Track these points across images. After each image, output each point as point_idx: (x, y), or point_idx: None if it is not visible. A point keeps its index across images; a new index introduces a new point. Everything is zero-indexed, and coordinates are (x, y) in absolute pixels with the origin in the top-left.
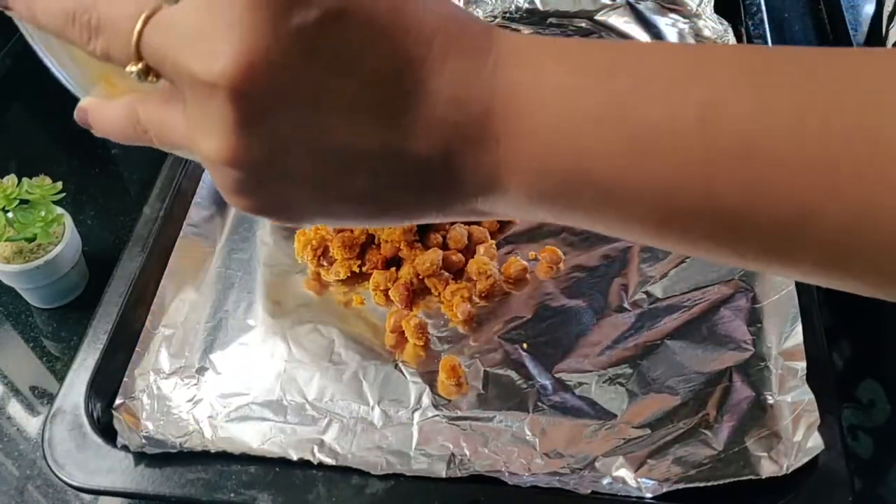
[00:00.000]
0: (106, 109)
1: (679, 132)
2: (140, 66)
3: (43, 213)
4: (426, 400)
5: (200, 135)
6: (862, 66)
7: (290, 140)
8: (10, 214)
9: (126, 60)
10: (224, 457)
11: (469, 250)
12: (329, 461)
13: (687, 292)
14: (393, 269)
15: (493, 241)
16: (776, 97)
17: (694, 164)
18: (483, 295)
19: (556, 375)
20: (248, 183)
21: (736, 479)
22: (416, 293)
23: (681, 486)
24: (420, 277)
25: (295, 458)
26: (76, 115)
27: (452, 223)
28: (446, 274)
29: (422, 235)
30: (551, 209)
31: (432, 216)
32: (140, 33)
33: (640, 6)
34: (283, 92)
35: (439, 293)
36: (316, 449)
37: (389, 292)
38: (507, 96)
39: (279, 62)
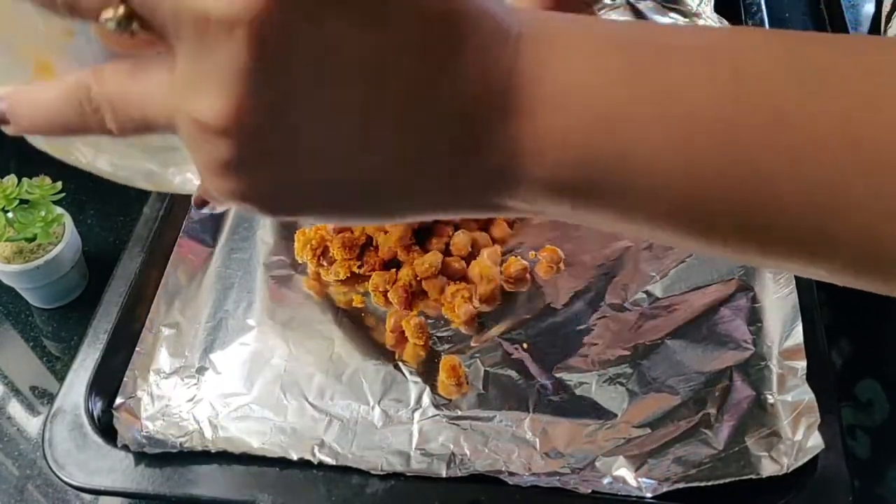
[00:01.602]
0: (38, 92)
1: (705, 94)
2: (122, 10)
3: (43, 213)
4: (426, 399)
5: (197, 93)
6: (882, 57)
7: (307, 99)
8: (10, 214)
9: (101, 4)
10: (224, 457)
11: (472, 255)
12: (329, 461)
13: (687, 292)
14: (393, 270)
15: (497, 247)
16: (804, 67)
17: (722, 129)
18: (484, 298)
19: (557, 375)
20: (244, 157)
21: (736, 479)
22: (416, 295)
23: (681, 485)
24: (419, 279)
25: (295, 457)
26: None
27: (456, 228)
28: (443, 279)
29: (424, 241)
30: (569, 197)
31: (441, 207)
32: None
33: (640, 5)
34: (308, 38)
35: (437, 298)
36: (316, 449)
37: (388, 294)
38: (530, 69)
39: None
